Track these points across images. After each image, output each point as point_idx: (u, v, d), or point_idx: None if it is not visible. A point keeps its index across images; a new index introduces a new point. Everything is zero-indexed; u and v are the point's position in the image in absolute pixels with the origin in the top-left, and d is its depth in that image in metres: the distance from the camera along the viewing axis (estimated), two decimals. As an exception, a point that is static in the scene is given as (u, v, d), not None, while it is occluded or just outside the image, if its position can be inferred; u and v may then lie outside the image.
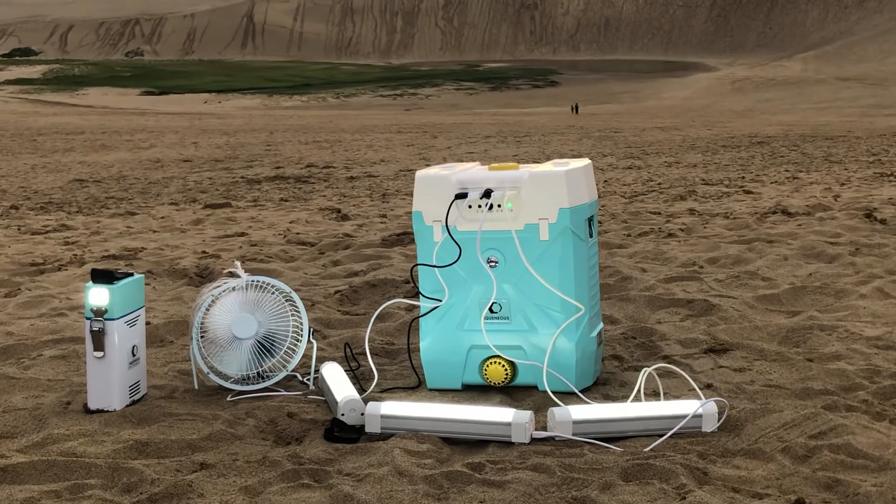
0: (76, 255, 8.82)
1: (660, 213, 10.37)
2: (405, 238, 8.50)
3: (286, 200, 14.81)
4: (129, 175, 20.02)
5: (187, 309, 5.64)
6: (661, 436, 3.44)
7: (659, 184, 15.94)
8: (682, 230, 8.20)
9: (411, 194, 15.72)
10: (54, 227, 11.28)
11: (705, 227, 8.40)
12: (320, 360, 4.24)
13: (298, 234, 9.65)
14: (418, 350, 4.20)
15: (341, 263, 7.11)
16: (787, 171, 17.82)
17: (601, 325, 4.15)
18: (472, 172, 3.91)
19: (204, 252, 8.46)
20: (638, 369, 4.11)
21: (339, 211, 12.68)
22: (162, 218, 12.46)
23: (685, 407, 3.53)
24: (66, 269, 7.95)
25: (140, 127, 46.64)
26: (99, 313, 3.79)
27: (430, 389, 4.01)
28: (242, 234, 9.86)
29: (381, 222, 10.84)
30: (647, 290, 5.39)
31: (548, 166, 3.93)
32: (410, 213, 12.31)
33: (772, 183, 15.06)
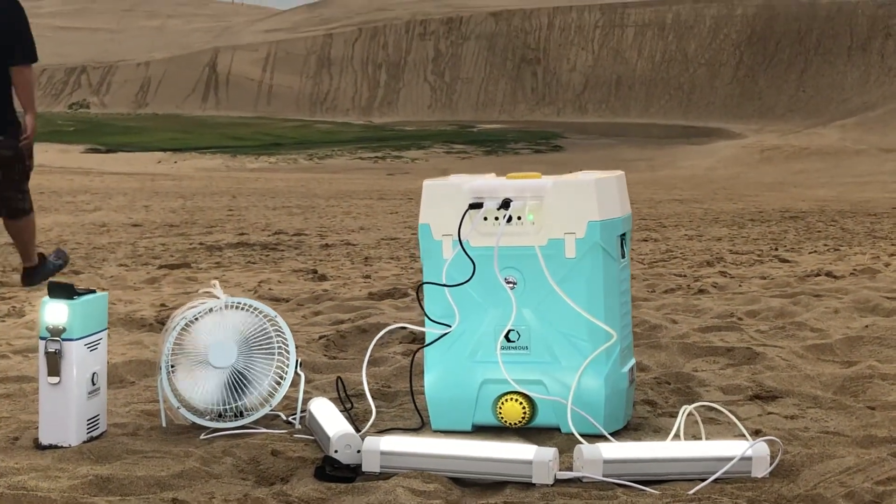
0: (14, 307, 8.80)
1: (685, 276, 10.41)
2: (395, 293, 8.50)
3: (254, 263, 14.83)
4: (70, 240, 19.98)
5: (150, 353, 5.62)
6: (704, 480, 3.42)
7: (681, 253, 16.01)
8: (715, 287, 8.23)
9: (397, 258, 15.76)
10: (-15, 285, 11.25)
11: (740, 286, 8.43)
12: (306, 402, 4.22)
13: (271, 289, 9.64)
14: (421, 391, 4.18)
15: (324, 314, 7.11)
16: (825, 245, 17.90)
17: (633, 360, 4.15)
18: (487, 180, 3.93)
19: (163, 305, 8.44)
20: (673, 415, 4.10)
21: (315, 272, 12.68)
22: (111, 277, 12.43)
23: (732, 448, 3.52)
24: (4, 321, 7.92)
25: (83, 188, 46.68)
26: (56, 332, 3.78)
27: (436, 431, 3.99)
28: (207, 292, 9.83)
29: (366, 282, 10.84)
30: (679, 338, 5.40)
31: (575, 176, 3.97)
32: (398, 274, 12.32)
33: (810, 253, 15.13)
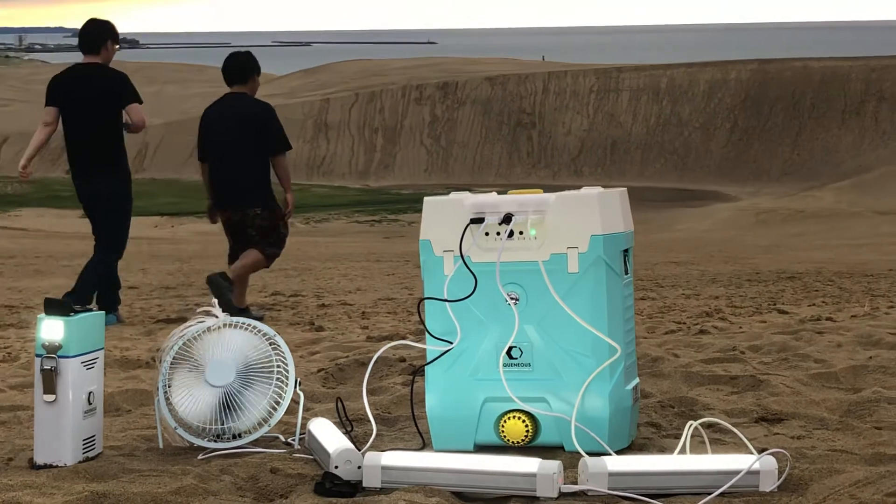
0: (10, 353, 8.73)
1: (684, 323, 10.36)
2: (394, 336, 8.46)
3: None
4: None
5: (146, 385, 5.56)
6: (711, 494, 3.36)
7: (679, 308, 15.94)
8: (716, 328, 8.17)
9: (394, 313, 15.70)
10: (-18, 337, 11.16)
11: (741, 328, 8.38)
12: (305, 424, 4.16)
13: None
14: (422, 417, 4.12)
15: (321, 353, 7.05)
16: (824, 301, 17.85)
17: (637, 379, 4.10)
18: (489, 196, 3.90)
19: (160, 350, 8.37)
20: (678, 437, 4.03)
21: (312, 324, 12.63)
22: (107, 332, 12.36)
23: (739, 461, 3.46)
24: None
25: (80, 252, 46.56)
26: (52, 349, 3.73)
27: (437, 451, 3.92)
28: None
29: (364, 331, 10.79)
30: (682, 367, 5.34)
31: (577, 191, 3.93)
32: (396, 325, 12.25)
33: (809, 306, 15.07)
